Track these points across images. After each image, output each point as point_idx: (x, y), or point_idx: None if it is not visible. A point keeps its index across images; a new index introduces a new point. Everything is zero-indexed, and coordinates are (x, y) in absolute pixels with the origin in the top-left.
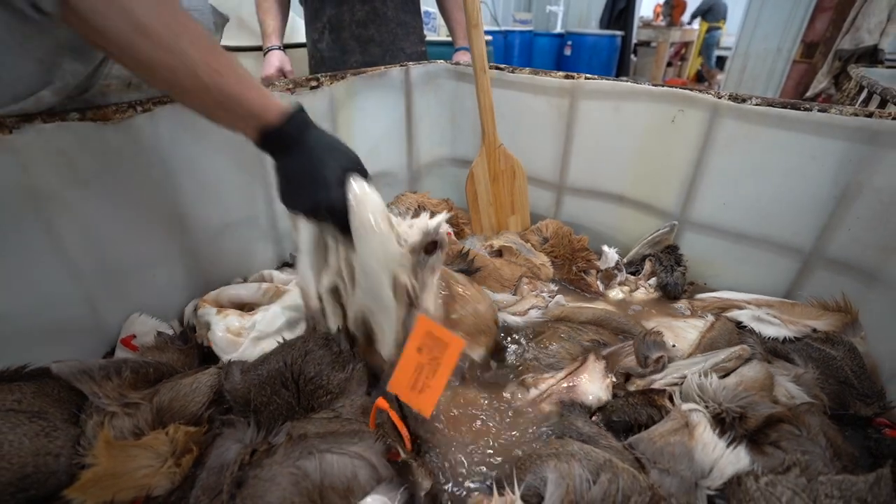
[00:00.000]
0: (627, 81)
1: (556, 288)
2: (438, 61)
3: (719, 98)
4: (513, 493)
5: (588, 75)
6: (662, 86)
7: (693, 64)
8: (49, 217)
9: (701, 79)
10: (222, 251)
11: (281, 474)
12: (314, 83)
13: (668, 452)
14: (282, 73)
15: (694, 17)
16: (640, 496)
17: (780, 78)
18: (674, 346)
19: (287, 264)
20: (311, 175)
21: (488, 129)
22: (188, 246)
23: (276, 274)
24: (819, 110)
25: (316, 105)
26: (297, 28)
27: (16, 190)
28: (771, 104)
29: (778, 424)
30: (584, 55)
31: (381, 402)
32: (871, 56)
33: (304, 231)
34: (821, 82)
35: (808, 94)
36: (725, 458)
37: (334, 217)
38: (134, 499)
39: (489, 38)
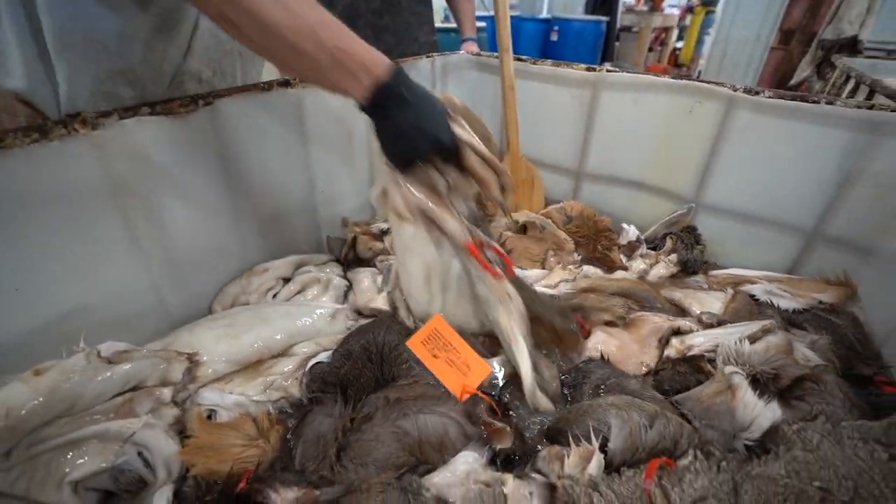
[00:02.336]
0: (645, 74)
1: (579, 258)
2: (461, 52)
3: (735, 91)
4: (590, 443)
5: (609, 68)
6: (682, 79)
7: (687, 49)
8: (126, 210)
9: (678, 63)
10: (270, 239)
11: (384, 433)
12: None
13: (714, 411)
14: None
15: (703, 3)
16: (688, 438)
17: (759, 64)
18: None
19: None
20: (425, 120)
21: (513, 141)
22: (240, 236)
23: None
24: (827, 103)
25: None
26: None
27: (99, 184)
28: (783, 97)
29: (801, 382)
30: (571, 40)
31: (469, 389)
32: (852, 46)
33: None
34: (804, 70)
35: (793, 81)
36: (763, 414)
37: (447, 155)
38: (244, 471)
39: (482, 24)
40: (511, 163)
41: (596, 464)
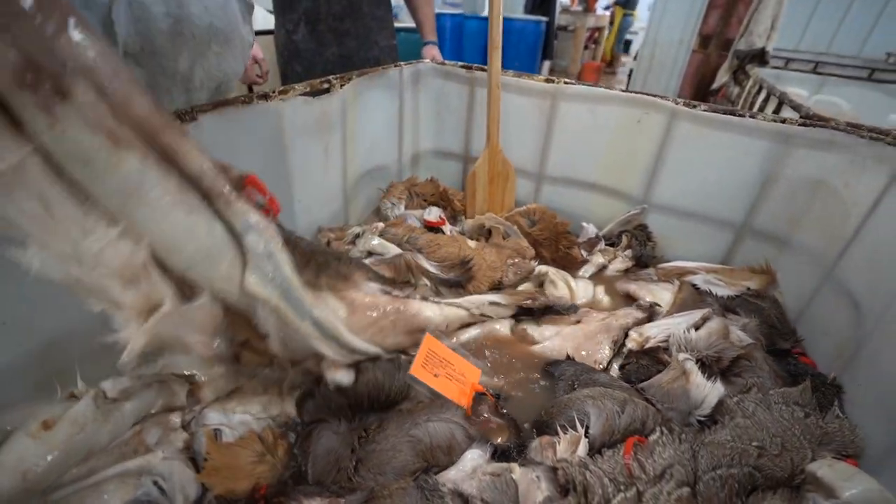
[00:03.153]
0: (600, 87)
1: (536, 263)
2: (426, 60)
3: (677, 104)
4: (576, 430)
5: (567, 80)
6: (632, 92)
7: (606, 48)
8: None
9: (612, 62)
10: None
11: (400, 443)
12: (326, 85)
13: (673, 394)
14: (255, 61)
15: (618, 4)
16: (653, 418)
17: (683, 66)
18: (655, 303)
19: None
20: None
21: (493, 136)
22: None
23: None
24: (750, 116)
25: (332, 107)
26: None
27: None
28: (716, 110)
29: (738, 360)
30: (513, 38)
31: (477, 388)
32: (761, 57)
33: None
34: (723, 77)
35: (714, 86)
36: (711, 392)
37: None
38: (261, 487)
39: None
40: (490, 155)
41: (583, 447)
